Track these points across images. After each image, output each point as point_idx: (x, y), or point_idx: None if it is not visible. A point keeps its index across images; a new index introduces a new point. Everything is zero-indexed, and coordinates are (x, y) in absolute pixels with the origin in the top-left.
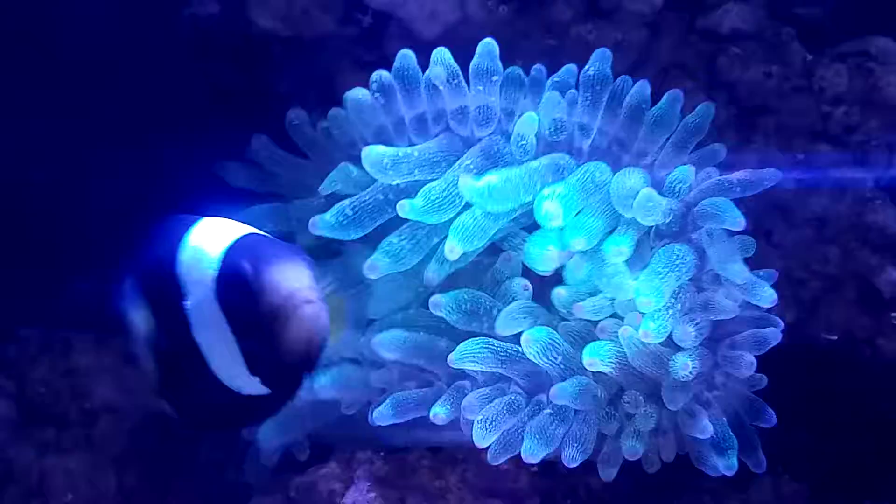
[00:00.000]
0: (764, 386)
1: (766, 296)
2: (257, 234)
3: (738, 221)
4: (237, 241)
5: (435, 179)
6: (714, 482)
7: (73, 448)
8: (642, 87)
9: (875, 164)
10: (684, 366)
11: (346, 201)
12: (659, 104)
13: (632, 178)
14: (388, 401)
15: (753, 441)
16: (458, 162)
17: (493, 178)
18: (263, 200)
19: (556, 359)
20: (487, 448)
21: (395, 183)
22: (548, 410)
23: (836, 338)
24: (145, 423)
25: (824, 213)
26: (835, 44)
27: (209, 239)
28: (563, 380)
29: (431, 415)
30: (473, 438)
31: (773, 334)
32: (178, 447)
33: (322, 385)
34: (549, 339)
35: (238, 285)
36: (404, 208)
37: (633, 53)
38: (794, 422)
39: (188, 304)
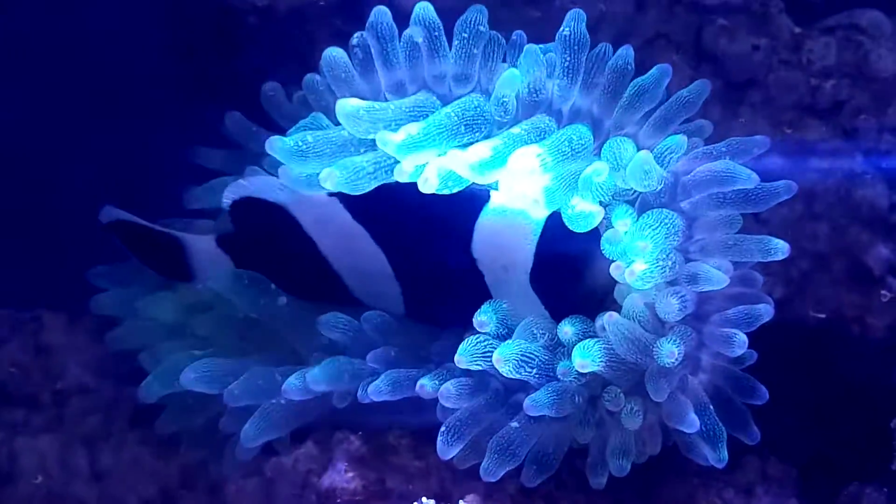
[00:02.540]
0: (754, 362)
1: (780, 247)
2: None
3: (751, 177)
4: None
5: None
6: (701, 465)
7: (44, 429)
8: (626, 50)
9: (865, 138)
10: (670, 353)
11: (311, 132)
12: (647, 74)
13: (627, 147)
14: (384, 376)
15: (745, 416)
16: (440, 110)
17: (482, 151)
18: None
19: (530, 371)
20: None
21: (370, 137)
22: (515, 424)
23: (824, 316)
24: (118, 403)
25: (813, 188)
26: (823, 16)
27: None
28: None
29: (418, 386)
30: (438, 449)
31: (766, 310)
32: (153, 429)
33: (314, 377)
34: (521, 353)
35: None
36: (384, 138)
37: (618, 25)
38: (782, 402)
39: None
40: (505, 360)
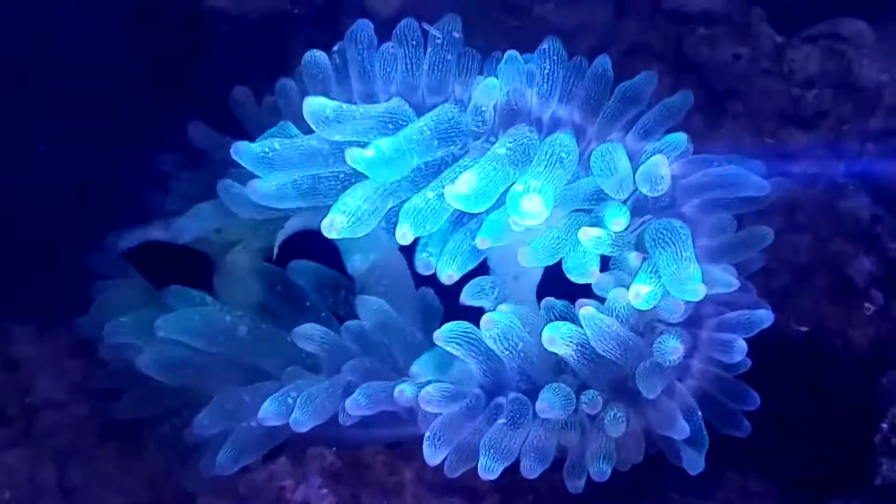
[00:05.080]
0: (747, 369)
1: (767, 233)
2: None
3: (761, 185)
4: None
5: None
6: (680, 480)
7: (13, 444)
8: (603, 58)
9: (848, 148)
10: (675, 349)
11: (278, 139)
12: (632, 80)
13: (620, 156)
14: (360, 390)
15: (734, 413)
16: (412, 123)
17: (472, 180)
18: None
19: (515, 346)
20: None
21: (335, 139)
22: (502, 420)
23: (806, 329)
24: (89, 417)
25: (795, 199)
26: (806, 25)
27: None
28: (521, 372)
29: (397, 392)
30: (424, 455)
31: (766, 316)
32: (122, 443)
33: (298, 421)
34: (510, 324)
35: None
36: (353, 154)
37: (597, 34)
38: (764, 417)
39: None
40: (494, 323)
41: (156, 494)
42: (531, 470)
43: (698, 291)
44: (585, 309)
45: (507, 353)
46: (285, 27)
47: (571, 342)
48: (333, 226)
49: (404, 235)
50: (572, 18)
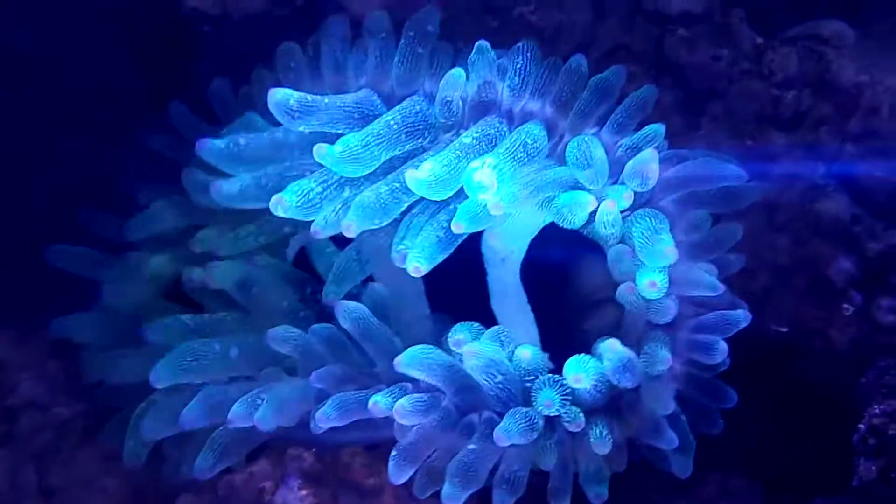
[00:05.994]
0: (726, 368)
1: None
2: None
3: (739, 175)
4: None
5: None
6: (661, 480)
7: None
8: (579, 57)
9: (827, 149)
10: (665, 360)
11: (243, 135)
12: (603, 73)
13: (596, 147)
14: (330, 402)
15: (710, 411)
16: (380, 118)
17: (433, 166)
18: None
19: (494, 377)
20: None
21: (301, 130)
22: (472, 446)
23: (786, 330)
24: (70, 419)
25: (774, 200)
26: (786, 27)
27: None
28: (500, 400)
29: (371, 403)
30: (389, 474)
31: (744, 316)
32: (103, 444)
33: (263, 418)
34: (493, 356)
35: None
36: (321, 151)
37: (577, 35)
38: (745, 417)
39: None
40: (477, 355)
41: (137, 497)
42: (503, 500)
43: (668, 254)
44: (613, 342)
45: (487, 383)
46: (267, 28)
47: (594, 378)
48: (281, 204)
49: (349, 228)
50: (551, 20)
